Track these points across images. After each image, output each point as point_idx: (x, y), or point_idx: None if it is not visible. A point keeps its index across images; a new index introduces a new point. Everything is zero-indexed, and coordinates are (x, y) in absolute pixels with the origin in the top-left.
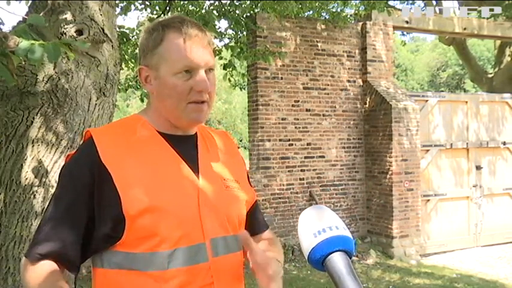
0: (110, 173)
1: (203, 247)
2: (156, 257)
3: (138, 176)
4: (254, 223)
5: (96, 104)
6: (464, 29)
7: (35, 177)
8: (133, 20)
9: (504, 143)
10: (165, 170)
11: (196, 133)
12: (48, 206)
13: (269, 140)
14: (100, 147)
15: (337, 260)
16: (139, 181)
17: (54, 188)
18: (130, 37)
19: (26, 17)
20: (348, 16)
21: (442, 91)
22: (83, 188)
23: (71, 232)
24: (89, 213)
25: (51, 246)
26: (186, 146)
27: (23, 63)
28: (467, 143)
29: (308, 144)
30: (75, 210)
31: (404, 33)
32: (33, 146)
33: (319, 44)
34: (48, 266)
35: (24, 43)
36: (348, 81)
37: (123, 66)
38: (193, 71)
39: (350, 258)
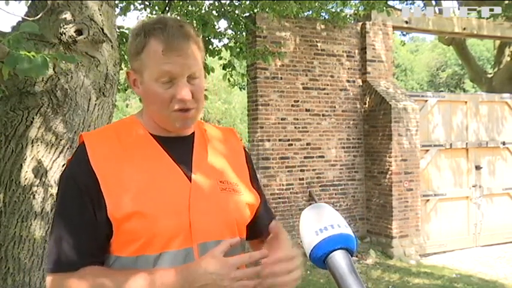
0: (97, 178)
1: (191, 252)
2: (142, 260)
3: (126, 179)
4: (258, 226)
5: (95, 104)
6: (464, 29)
7: (35, 177)
8: (133, 20)
9: (504, 143)
10: (155, 173)
11: (194, 133)
12: (59, 216)
13: (269, 140)
14: (90, 151)
15: (339, 258)
16: (127, 185)
17: (57, 195)
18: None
19: (25, 17)
20: (348, 16)
21: (442, 91)
22: (86, 192)
23: (88, 236)
24: (95, 216)
25: (80, 257)
26: (180, 148)
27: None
28: (466, 143)
29: (308, 144)
30: (86, 214)
31: (404, 33)
32: (32, 146)
33: (318, 44)
34: (90, 268)
35: (13, 54)
36: (348, 81)
37: (123, 66)
38: (174, 79)
39: (352, 256)
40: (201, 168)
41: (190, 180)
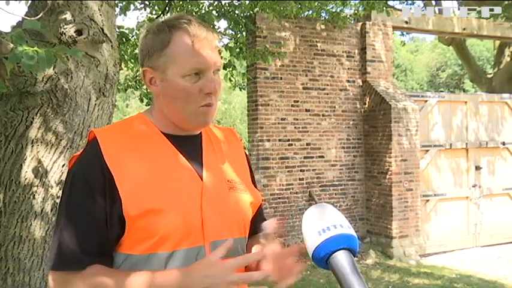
0: (112, 175)
1: (203, 250)
2: (155, 258)
3: (140, 177)
4: (256, 224)
5: (95, 104)
6: (464, 29)
7: (35, 177)
8: (133, 20)
9: (503, 143)
10: (168, 171)
11: (201, 133)
12: (64, 210)
13: (268, 140)
14: (104, 148)
15: (341, 258)
16: (141, 182)
17: (65, 192)
18: (130, 37)
19: (25, 17)
20: (348, 16)
21: (442, 91)
22: (98, 190)
23: (97, 235)
24: (105, 215)
25: (85, 256)
26: (190, 147)
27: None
28: (466, 143)
29: (307, 144)
30: (96, 213)
31: (404, 33)
32: (32, 146)
33: (318, 44)
34: (95, 267)
35: (17, 49)
36: (348, 81)
37: (123, 66)
38: (202, 73)
39: (354, 256)
40: (211, 167)
41: (201, 179)
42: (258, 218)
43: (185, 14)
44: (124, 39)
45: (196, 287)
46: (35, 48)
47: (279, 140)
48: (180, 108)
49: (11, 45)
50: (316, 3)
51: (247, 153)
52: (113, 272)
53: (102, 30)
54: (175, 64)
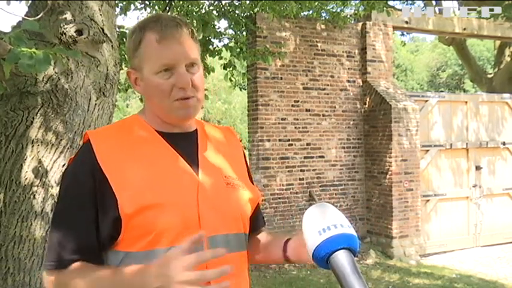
0: (106, 175)
1: (201, 245)
2: (153, 255)
3: (135, 174)
4: (255, 221)
5: (95, 104)
6: (464, 29)
7: (35, 177)
8: (133, 19)
9: (504, 143)
10: (163, 168)
11: (196, 130)
12: (56, 213)
13: (269, 140)
14: (97, 149)
15: (341, 258)
16: (136, 180)
17: (58, 193)
18: None
19: (25, 17)
20: (348, 16)
21: (442, 91)
22: (88, 192)
23: (86, 235)
24: (96, 216)
25: (74, 252)
26: (185, 144)
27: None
28: (466, 143)
29: (308, 144)
30: (85, 214)
31: (404, 33)
32: (33, 146)
33: (318, 44)
34: (79, 264)
35: (14, 50)
36: (348, 81)
37: (123, 66)
38: (172, 69)
39: (354, 256)
40: (207, 164)
41: (197, 175)
42: (257, 215)
43: (157, 13)
44: (124, 39)
45: (150, 286)
46: (33, 49)
47: (279, 140)
48: (160, 104)
49: (9, 47)
50: (316, 3)
51: (247, 152)
52: (86, 268)
53: (103, 30)
54: (147, 63)
